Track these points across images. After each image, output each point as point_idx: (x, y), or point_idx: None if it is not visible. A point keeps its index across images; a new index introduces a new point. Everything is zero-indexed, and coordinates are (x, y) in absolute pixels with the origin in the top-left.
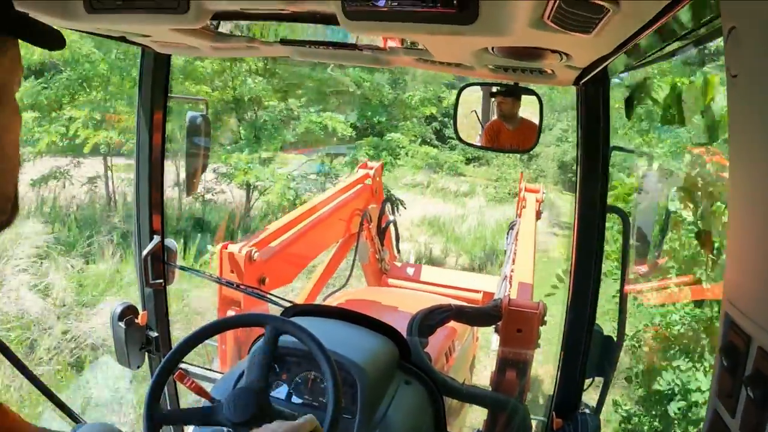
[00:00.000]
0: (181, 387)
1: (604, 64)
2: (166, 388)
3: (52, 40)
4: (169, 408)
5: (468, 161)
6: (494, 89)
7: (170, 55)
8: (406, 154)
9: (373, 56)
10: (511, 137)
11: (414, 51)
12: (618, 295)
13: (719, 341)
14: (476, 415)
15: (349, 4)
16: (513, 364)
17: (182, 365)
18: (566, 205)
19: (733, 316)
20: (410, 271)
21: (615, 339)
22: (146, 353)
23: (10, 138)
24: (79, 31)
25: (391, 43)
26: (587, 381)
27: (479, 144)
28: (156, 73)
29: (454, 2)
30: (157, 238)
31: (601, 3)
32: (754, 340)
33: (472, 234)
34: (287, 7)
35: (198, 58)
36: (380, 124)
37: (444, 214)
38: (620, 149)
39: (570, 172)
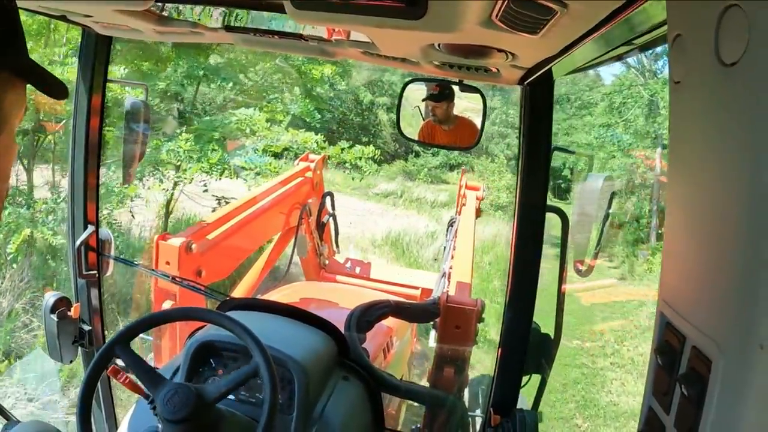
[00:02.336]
0: (115, 382)
1: (550, 66)
2: (99, 383)
3: (57, 89)
4: (102, 403)
5: (452, 168)
6: (427, 93)
7: (111, 37)
8: (255, 149)
9: (319, 47)
10: (448, 136)
11: (360, 44)
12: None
13: (654, 341)
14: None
15: None
16: (451, 361)
17: (116, 360)
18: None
19: (669, 316)
20: (349, 266)
21: (552, 337)
22: (79, 347)
23: (5, 162)
24: (19, 8)
25: (337, 35)
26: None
27: (421, 140)
28: (96, 56)
29: None
30: (91, 228)
31: (550, 5)
32: (688, 339)
33: (438, 263)
34: None
35: None
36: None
37: (412, 231)
38: (562, 150)
39: (556, 177)
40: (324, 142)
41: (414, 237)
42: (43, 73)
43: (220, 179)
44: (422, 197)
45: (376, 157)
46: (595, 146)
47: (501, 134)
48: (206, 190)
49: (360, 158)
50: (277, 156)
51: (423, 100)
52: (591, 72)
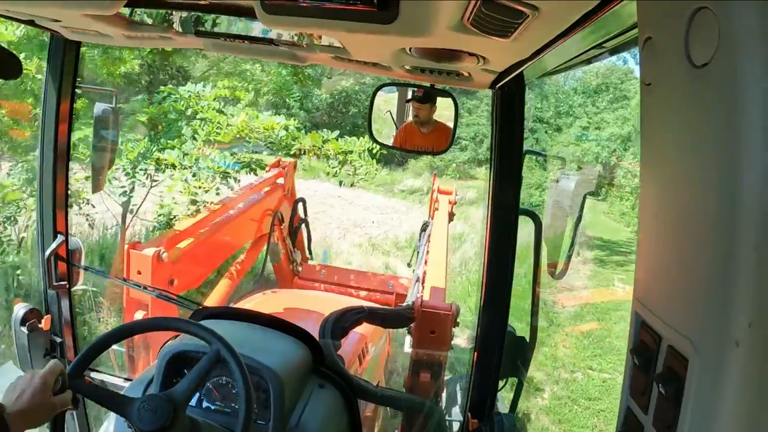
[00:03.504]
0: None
1: (521, 69)
2: None
3: (10, 68)
4: (75, 418)
5: (480, 163)
6: (410, 95)
7: (80, 43)
8: (194, 137)
9: (290, 52)
10: (425, 139)
11: (331, 48)
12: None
13: (630, 341)
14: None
15: None
16: (427, 366)
17: (89, 373)
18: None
19: (644, 317)
20: (323, 272)
21: (528, 339)
22: (51, 360)
23: None
24: None
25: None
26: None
27: (393, 144)
28: (65, 61)
29: (375, 1)
30: (60, 237)
31: (521, 8)
32: (664, 339)
33: (466, 273)
34: None
35: None
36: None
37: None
38: (534, 153)
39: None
40: (300, 130)
41: None
42: None
43: (144, 183)
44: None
45: (375, 151)
46: (632, 139)
47: (529, 129)
48: (127, 200)
49: (344, 152)
50: (230, 152)
51: (407, 101)
52: (630, 60)
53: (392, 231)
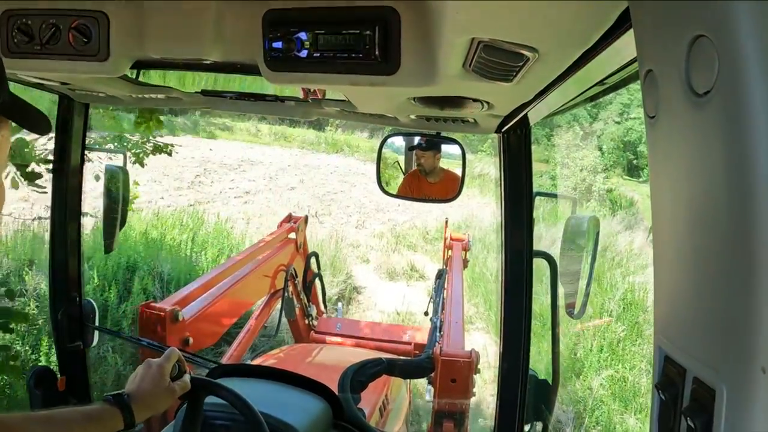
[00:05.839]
0: None
1: (525, 111)
2: None
3: (42, 125)
4: None
5: None
6: (414, 143)
7: (89, 105)
8: None
9: (297, 108)
10: (432, 188)
11: (337, 102)
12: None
13: (654, 376)
14: None
15: (271, 54)
16: (449, 415)
17: None
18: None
19: (667, 350)
20: (339, 326)
21: (550, 382)
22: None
23: None
24: None
25: (312, 96)
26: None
27: (402, 195)
28: (74, 123)
29: (377, 53)
30: (74, 297)
31: (521, 52)
32: (689, 371)
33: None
34: (208, 56)
35: None
36: None
37: (475, 221)
38: (544, 194)
39: (630, 151)
40: None
41: (479, 232)
42: (24, 106)
43: None
44: (485, 173)
45: None
46: None
47: None
48: None
49: None
50: None
51: (410, 149)
52: None
53: (420, 217)
